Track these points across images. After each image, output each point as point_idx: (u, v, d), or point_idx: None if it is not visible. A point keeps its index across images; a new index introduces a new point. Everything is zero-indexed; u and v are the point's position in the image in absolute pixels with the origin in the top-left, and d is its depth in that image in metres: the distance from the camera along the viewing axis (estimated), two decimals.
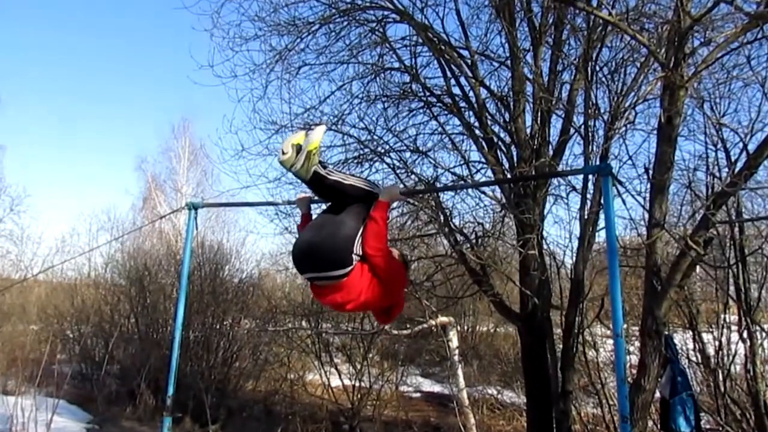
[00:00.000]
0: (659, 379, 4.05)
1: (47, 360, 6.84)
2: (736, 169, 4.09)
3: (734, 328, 5.30)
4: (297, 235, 2.83)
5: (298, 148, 2.56)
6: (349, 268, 2.48)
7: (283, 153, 2.56)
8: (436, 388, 10.53)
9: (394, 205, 6.02)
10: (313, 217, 2.92)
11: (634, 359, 5.15)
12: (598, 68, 4.87)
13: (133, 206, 20.93)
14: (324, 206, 2.93)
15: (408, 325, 7.27)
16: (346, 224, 2.55)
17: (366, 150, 5.87)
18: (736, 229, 4.91)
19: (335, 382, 8.70)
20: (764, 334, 4.97)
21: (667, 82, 3.87)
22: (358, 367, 8.65)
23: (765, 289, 5.14)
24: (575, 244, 5.20)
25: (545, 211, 5.43)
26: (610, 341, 6.32)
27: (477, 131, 5.53)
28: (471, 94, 5.53)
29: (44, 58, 31.01)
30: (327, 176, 2.62)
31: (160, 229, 16.89)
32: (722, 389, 5.08)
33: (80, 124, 32.82)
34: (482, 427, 7.90)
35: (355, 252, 2.49)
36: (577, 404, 6.10)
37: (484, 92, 5.54)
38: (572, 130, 5.25)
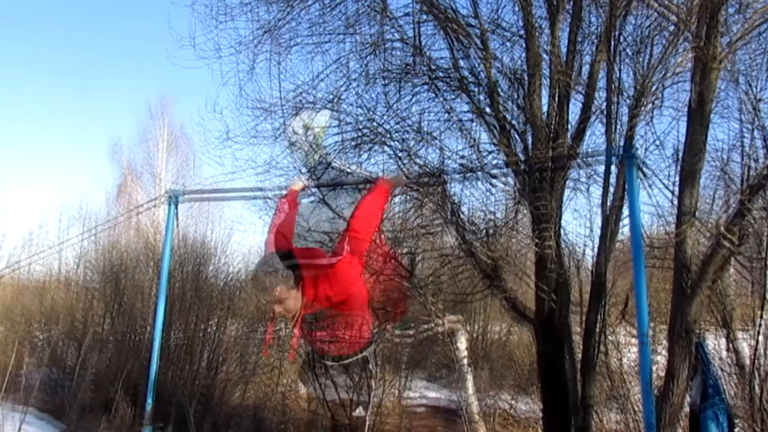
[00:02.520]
0: (689, 387, 4.07)
1: (14, 366, 6.89)
2: None
3: None
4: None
5: (307, 128, 2.63)
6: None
7: (295, 132, 2.62)
8: (443, 398, 10.59)
9: (397, 199, 6.04)
10: (302, 204, 2.96)
11: (661, 364, 5.17)
12: (622, 41, 4.83)
13: (106, 197, 21.07)
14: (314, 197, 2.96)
15: (412, 324, 7.28)
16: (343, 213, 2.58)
17: (365, 132, 5.85)
18: None
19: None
20: None
21: (699, 56, 3.86)
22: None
23: None
24: (596, 238, 5.21)
25: (564, 202, 5.42)
26: (635, 345, 6.34)
27: (488, 109, 5.50)
28: (481, 71, 5.50)
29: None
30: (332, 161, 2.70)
31: (137, 221, 16.93)
32: (758, 400, 5.10)
33: (48, 106, 32.90)
34: None
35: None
36: (599, 413, 6.14)
37: (495, 69, 5.51)
38: (594, 111, 5.23)
